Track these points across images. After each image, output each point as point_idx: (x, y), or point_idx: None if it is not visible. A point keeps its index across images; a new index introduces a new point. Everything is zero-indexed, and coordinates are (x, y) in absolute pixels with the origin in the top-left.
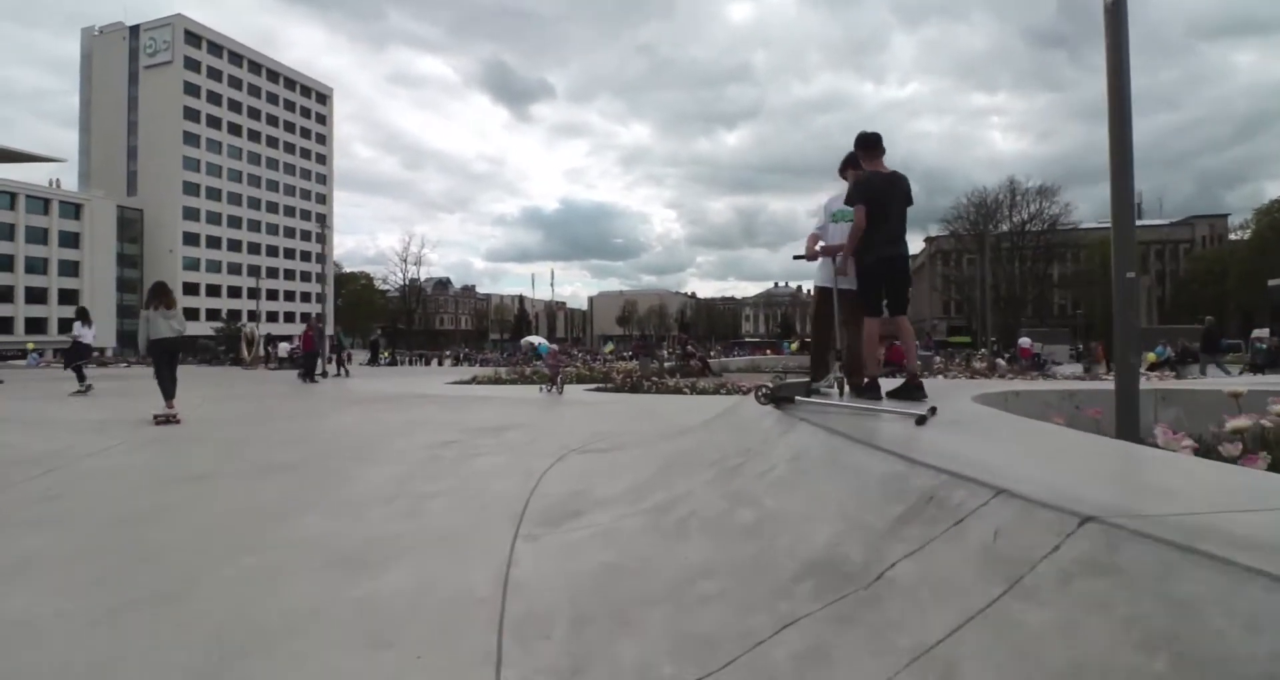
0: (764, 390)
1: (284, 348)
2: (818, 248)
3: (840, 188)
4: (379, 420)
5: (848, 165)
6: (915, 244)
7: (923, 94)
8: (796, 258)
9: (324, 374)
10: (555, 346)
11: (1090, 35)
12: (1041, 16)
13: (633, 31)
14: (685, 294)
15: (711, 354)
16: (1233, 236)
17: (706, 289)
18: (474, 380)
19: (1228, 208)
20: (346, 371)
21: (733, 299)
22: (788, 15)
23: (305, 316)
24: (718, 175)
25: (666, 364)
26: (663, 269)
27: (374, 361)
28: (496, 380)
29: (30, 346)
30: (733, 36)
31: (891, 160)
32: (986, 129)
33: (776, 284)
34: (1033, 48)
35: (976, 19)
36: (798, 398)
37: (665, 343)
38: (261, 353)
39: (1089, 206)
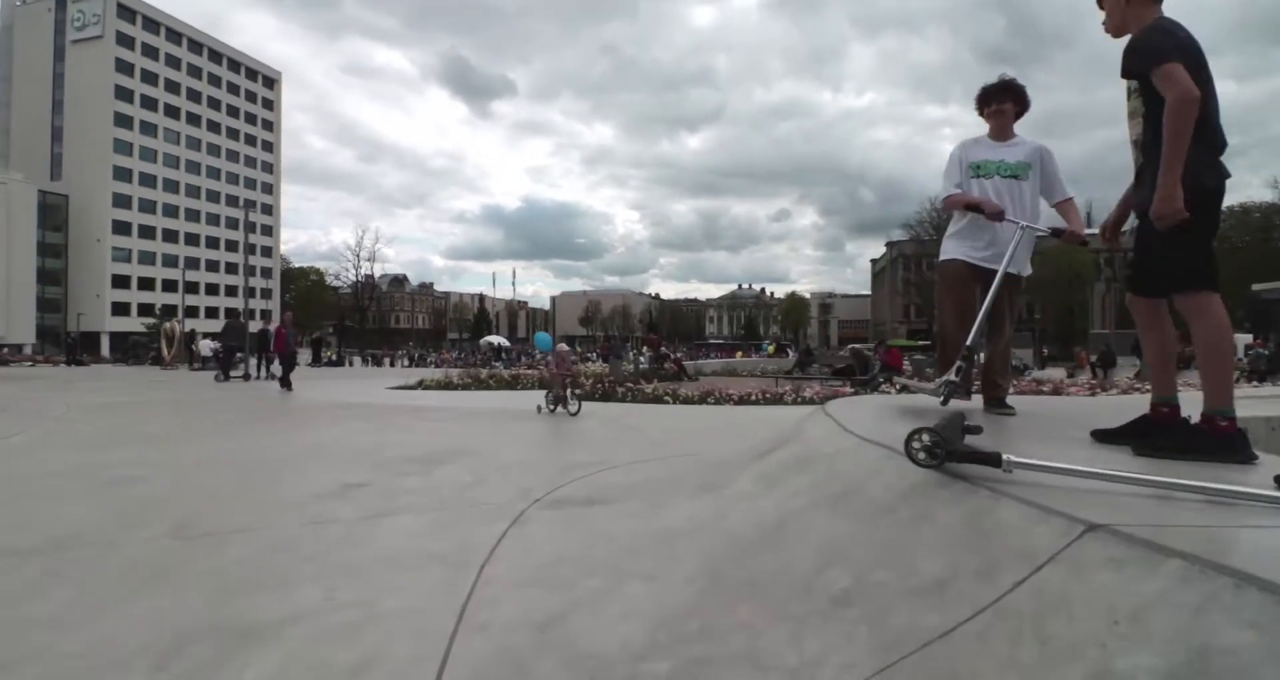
0: (925, 440)
1: (206, 346)
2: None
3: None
4: (270, 445)
5: (1001, 93)
6: (881, 248)
7: (879, 104)
8: (951, 207)
9: (246, 376)
10: (565, 346)
11: (1036, 54)
12: (991, 33)
13: (596, 30)
14: (649, 295)
15: (680, 356)
16: None
17: (669, 290)
18: (420, 384)
19: None
20: (273, 373)
21: (696, 301)
22: (750, 20)
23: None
24: (681, 178)
25: (641, 367)
26: (626, 270)
27: (316, 361)
28: (446, 384)
29: None
30: (696, 40)
31: (850, 166)
32: (939, 140)
33: (740, 286)
34: (983, 63)
35: (931, 33)
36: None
37: (630, 344)
38: (182, 351)
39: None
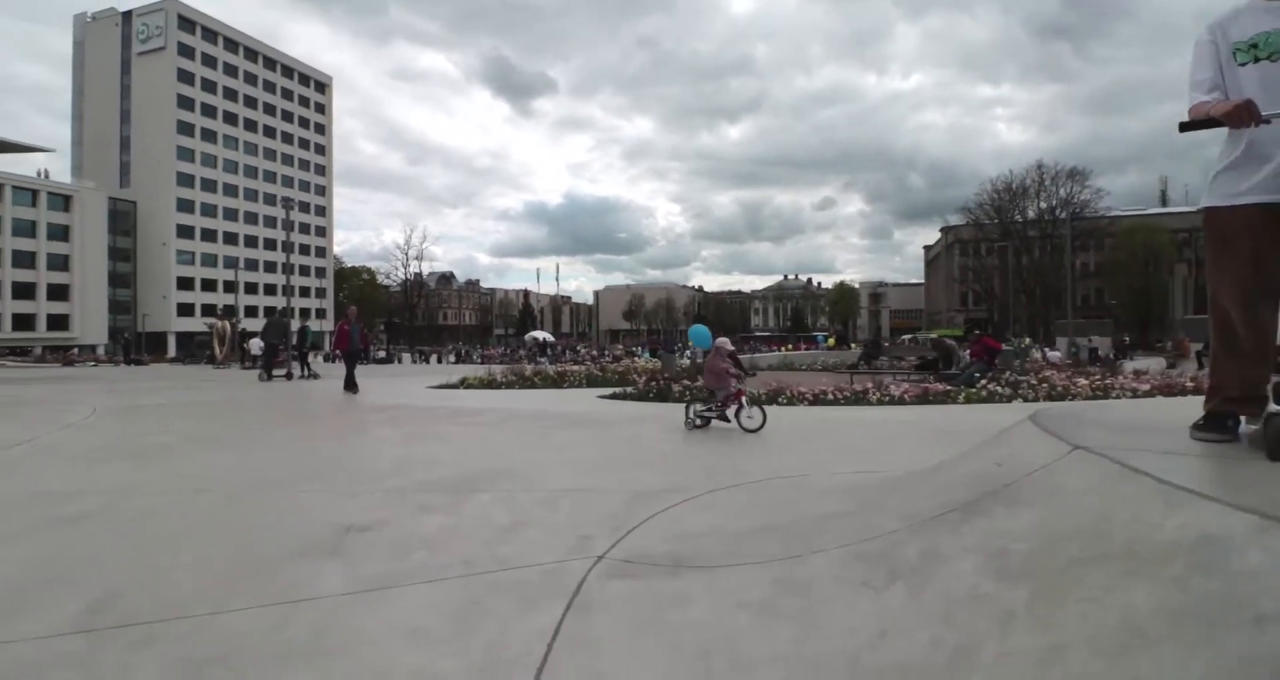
0: None
1: (256, 344)
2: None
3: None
4: (278, 461)
5: None
6: (931, 234)
7: (926, 86)
8: (1188, 128)
9: (289, 375)
10: (725, 340)
11: (1094, 27)
12: (1045, 6)
13: (633, 25)
14: (692, 288)
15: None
16: None
17: (711, 283)
18: (462, 383)
19: None
20: (311, 371)
21: (740, 292)
22: (789, 6)
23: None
24: (721, 169)
25: (695, 362)
26: (667, 263)
27: (364, 359)
28: (489, 383)
29: None
30: (734, 29)
31: (897, 151)
32: (991, 121)
33: (786, 277)
34: (1036, 39)
35: (979, 10)
36: None
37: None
38: (234, 350)
39: (1115, 194)
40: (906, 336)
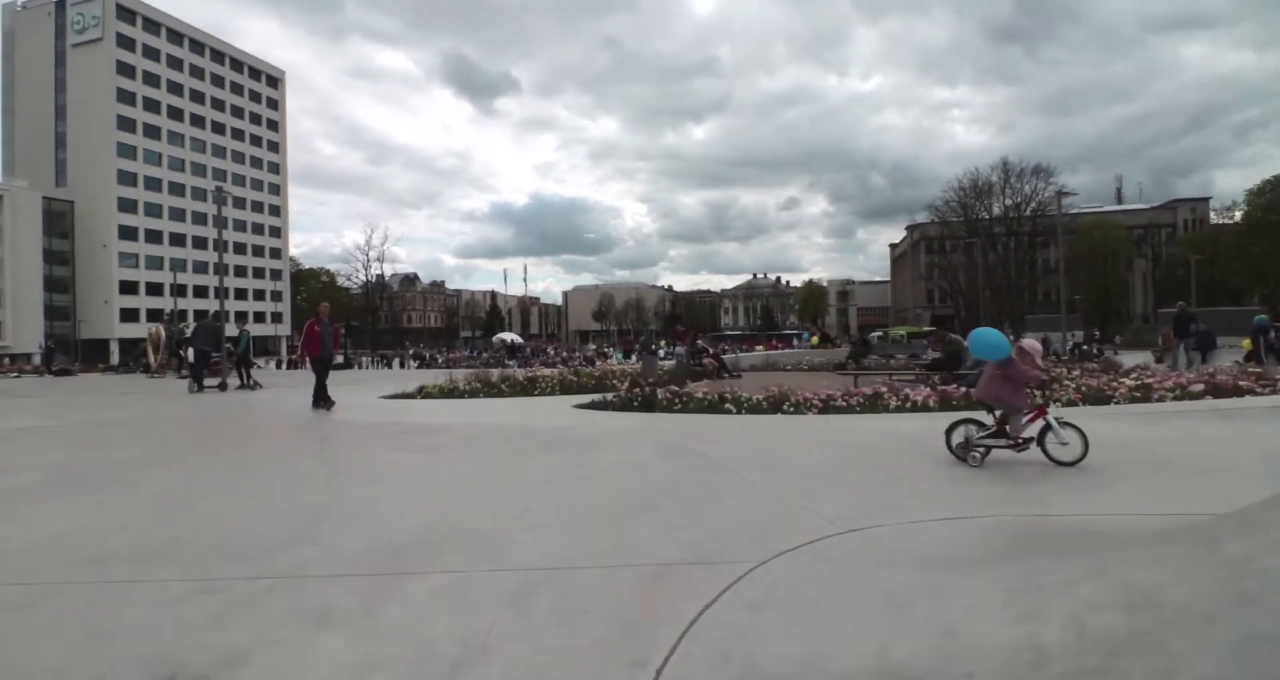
0: None
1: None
2: None
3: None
4: (134, 517)
5: None
6: (897, 232)
7: (886, 87)
8: None
9: (222, 386)
10: (1034, 341)
11: (1044, 30)
12: (999, 10)
13: (596, 24)
14: (662, 287)
15: (722, 349)
16: (1215, 220)
17: (680, 282)
18: (420, 392)
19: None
20: (252, 381)
21: (709, 292)
22: (751, 8)
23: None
24: (688, 169)
25: (676, 363)
26: (635, 263)
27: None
28: (450, 391)
29: None
30: (698, 29)
31: (859, 152)
32: (949, 122)
33: (755, 276)
34: (990, 42)
35: (936, 13)
36: None
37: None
38: (171, 357)
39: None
40: (875, 334)
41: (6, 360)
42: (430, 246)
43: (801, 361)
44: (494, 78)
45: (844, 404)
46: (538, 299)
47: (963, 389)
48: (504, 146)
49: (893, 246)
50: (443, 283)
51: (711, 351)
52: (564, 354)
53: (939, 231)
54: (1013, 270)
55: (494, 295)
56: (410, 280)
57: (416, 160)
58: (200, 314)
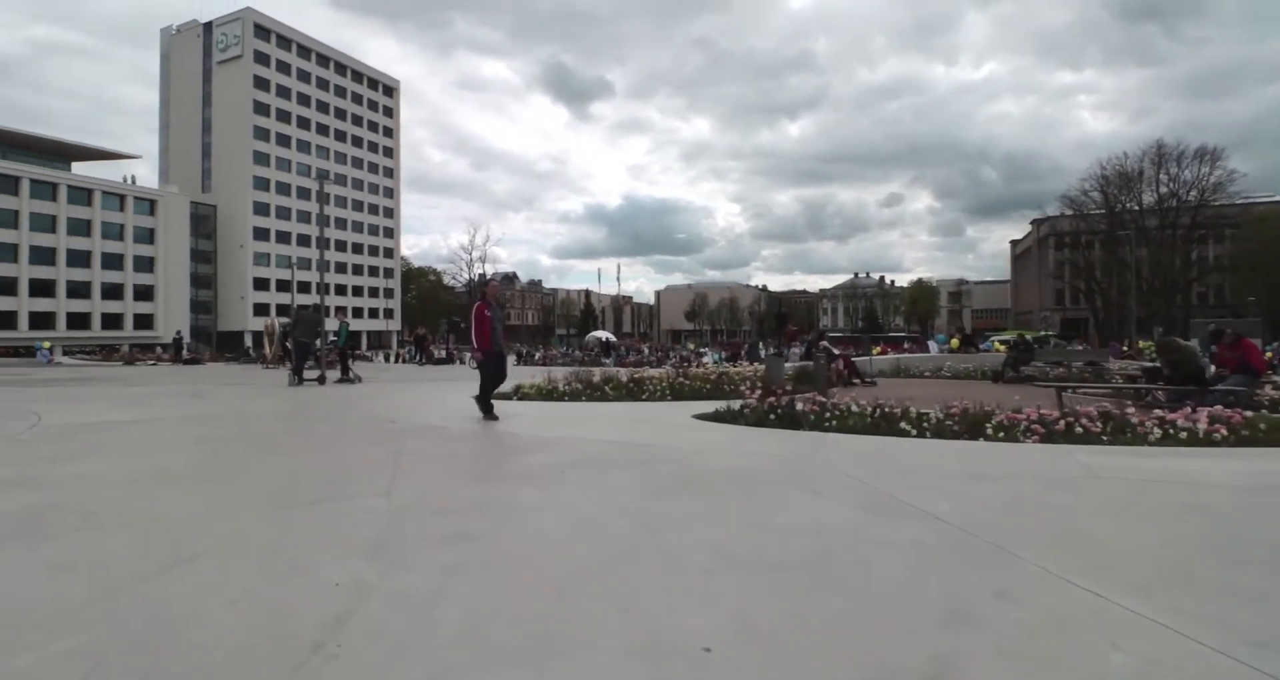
0: None
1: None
2: None
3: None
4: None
5: None
6: (1011, 229)
7: (1000, 74)
8: None
9: (321, 379)
10: None
11: (1186, 5)
12: None
13: (688, 25)
14: (756, 287)
15: (850, 353)
16: None
17: (773, 283)
18: (516, 393)
19: None
20: (352, 374)
21: (805, 292)
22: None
23: (379, 312)
24: (782, 167)
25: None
26: (727, 264)
27: (419, 359)
28: (549, 392)
29: (46, 345)
30: (792, 24)
31: (968, 144)
32: (1073, 109)
33: (857, 274)
34: (1121, 20)
35: None
36: None
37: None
38: (281, 350)
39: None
40: (997, 338)
41: (158, 349)
42: (528, 248)
43: (942, 367)
44: (589, 83)
45: (1081, 429)
46: (630, 298)
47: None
48: (598, 150)
49: (1014, 243)
50: (540, 282)
51: (839, 354)
52: (659, 353)
53: (1073, 226)
54: (1168, 268)
55: (588, 294)
56: (510, 279)
57: (517, 165)
58: (300, 308)
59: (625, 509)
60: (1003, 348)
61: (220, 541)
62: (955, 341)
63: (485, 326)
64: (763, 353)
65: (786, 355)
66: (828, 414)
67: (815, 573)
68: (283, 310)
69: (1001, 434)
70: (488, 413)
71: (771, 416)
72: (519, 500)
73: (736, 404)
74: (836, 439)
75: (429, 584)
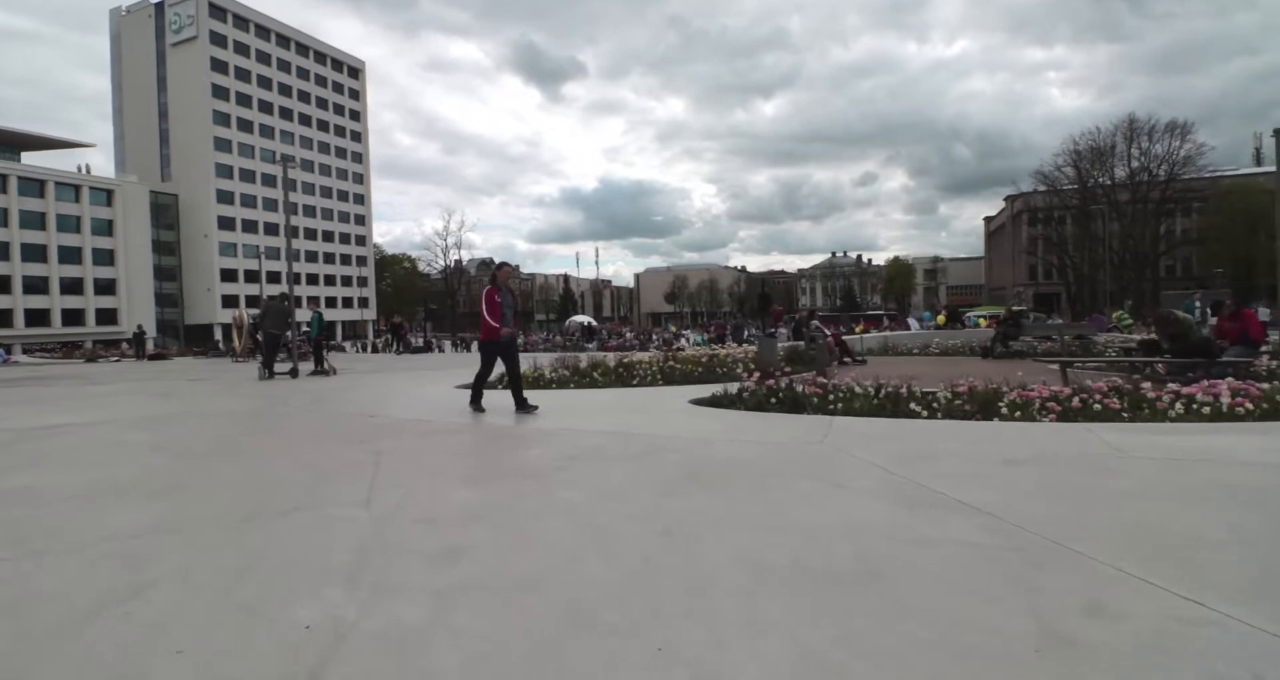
0: None
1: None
2: None
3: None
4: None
5: None
6: (984, 206)
7: (971, 52)
8: None
9: (293, 372)
10: None
11: None
12: None
13: (661, 4)
14: (735, 268)
15: (841, 330)
16: None
17: (751, 263)
18: (502, 382)
19: None
20: (327, 366)
21: (783, 272)
22: None
23: (353, 301)
24: (757, 147)
25: (809, 348)
26: (704, 245)
27: (396, 347)
28: (535, 380)
29: None
30: (765, 2)
31: (941, 122)
32: (1043, 85)
33: (834, 254)
34: None
35: None
36: None
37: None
38: (250, 342)
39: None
40: (977, 313)
41: (123, 345)
42: (504, 233)
43: (930, 344)
44: (561, 63)
45: (1099, 406)
46: (609, 282)
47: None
48: (572, 132)
49: (988, 220)
50: (517, 267)
51: (830, 333)
52: (640, 337)
53: (1046, 201)
54: (1139, 241)
55: (566, 279)
56: (486, 265)
57: (489, 148)
58: (273, 298)
59: (636, 511)
60: (985, 323)
61: (173, 568)
62: (942, 317)
63: (496, 311)
64: (746, 333)
65: (770, 335)
66: (831, 396)
67: (869, 587)
68: (252, 301)
69: (1018, 413)
70: (476, 403)
71: (772, 400)
72: (516, 504)
73: (733, 387)
74: (844, 423)
75: (419, 617)
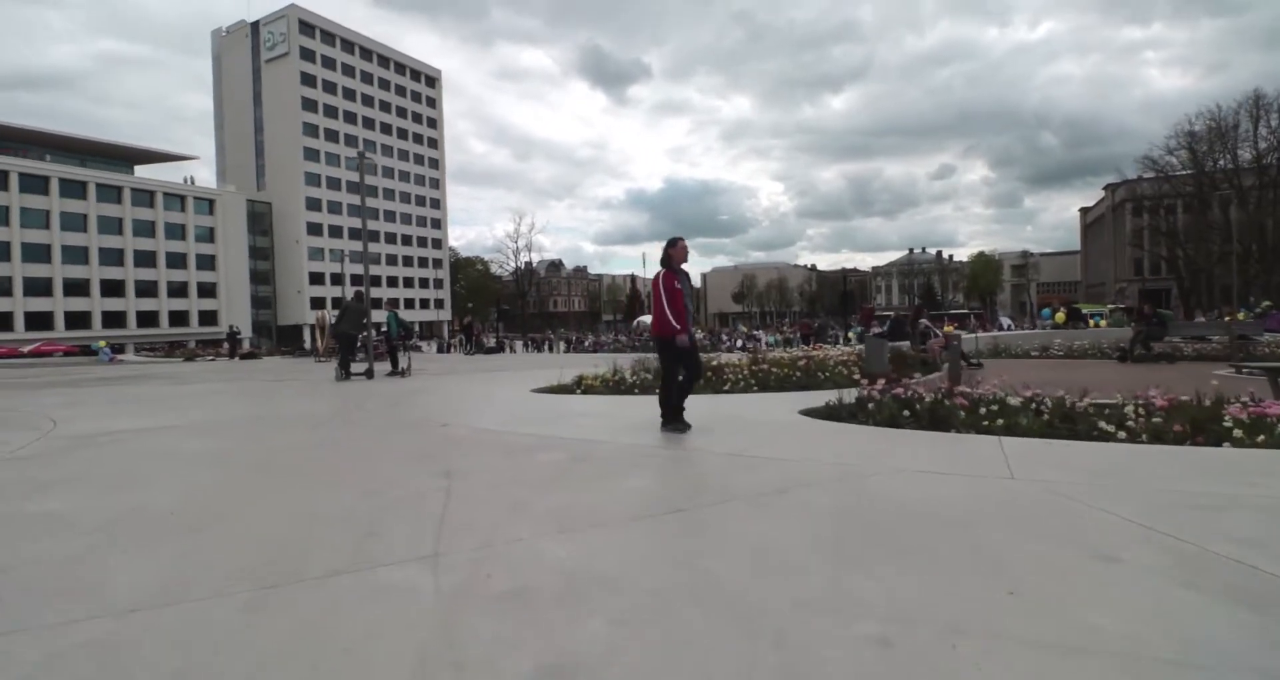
0: None
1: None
2: None
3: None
4: None
5: None
6: (1075, 198)
7: (1059, 33)
8: None
9: (369, 373)
10: None
11: None
12: None
13: (726, 1)
14: (805, 267)
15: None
16: None
17: (820, 262)
18: (579, 386)
19: None
20: (402, 367)
21: (855, 270)
22: None
23: (429, 302)
24: (826, 143)
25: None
26: (771, 244)
27: (469, 348)
28: (616, 384)
29: (101, 344)
30: None
31: (1025, 110)
32: (1141, 66)
33: (912, 250)
34: None
35: None
36: None
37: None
38: (332, 342)
39: None
40: (1093, 310)
41: (195, 344)
42: (571, 235)
43: (1051, 345)
44: (626, 66)
45: None
46: None
47: None
48: (637, 133)
49: (1084, 211)
50: (585, 268)
51: (940, 334)
52: (711, 337)
53: (1154, 189)
54: (1269, 231)
55: (634, 279)
56: (555, 266)
57: (557, 152)
58: (351, 298)
59: (812, 595)
60: (1105, 323)
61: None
62: (1061, 315)
63: (679, 301)
64: (833, 332)
65: (861, 335)
66: (982, 410)
67: None
68: (337, 303)
69: (1261, 436)
70: (673, 420)
71: (906, 413)
72: (629, 572)
73: (847, 395)
74: (1016, 446)
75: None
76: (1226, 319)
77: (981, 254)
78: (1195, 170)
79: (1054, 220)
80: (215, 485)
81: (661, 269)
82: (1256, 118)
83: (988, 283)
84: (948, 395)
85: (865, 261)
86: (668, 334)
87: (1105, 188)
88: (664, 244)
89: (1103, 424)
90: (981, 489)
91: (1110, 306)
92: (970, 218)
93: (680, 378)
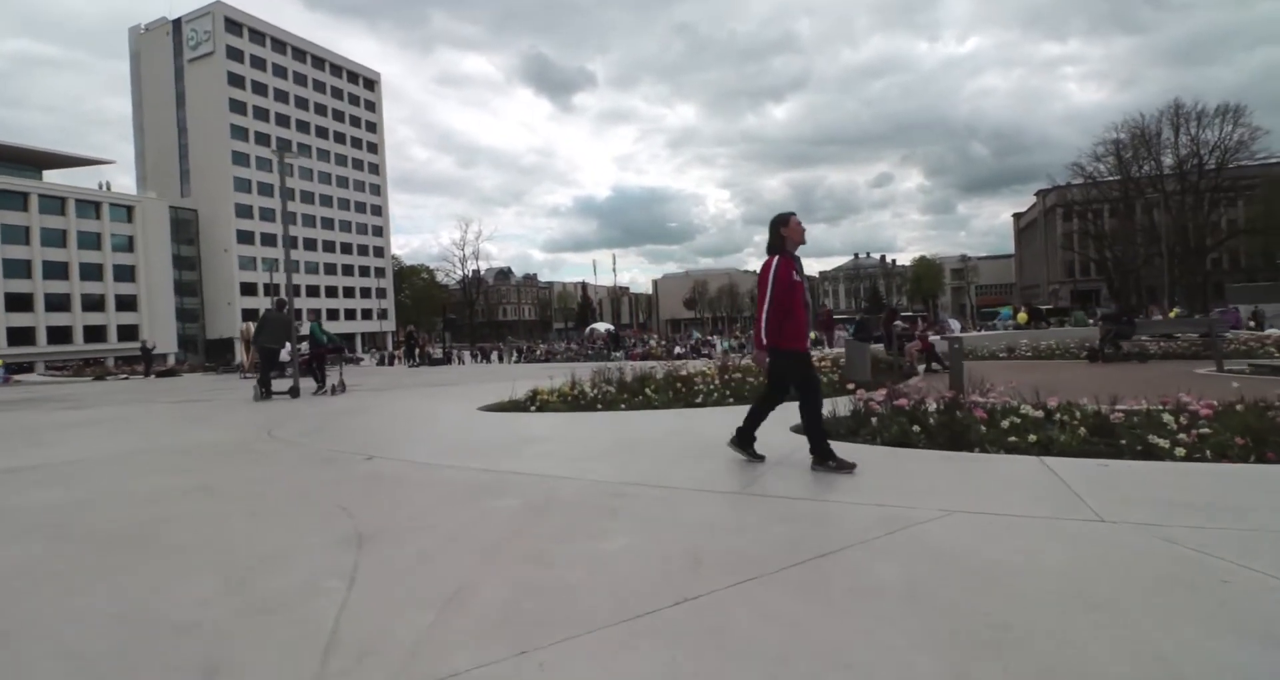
0: None
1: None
2: None
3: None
4: None
5: None
6: (1004, 204)
7: (985, 48)
8: None
9: (294, 391)
10: None
11: None
12: None
13: (669, 12)
14: (753, 272)
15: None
16: None
17: None
18: (533, 401)
19: None
20: (329, 383)
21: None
22: None
23: (372, 312)
24: (769, 151)
25: (893, 354)
26: (719, 250)
27: (412, 359)
28: (575, 399)
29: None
30: (774, 6)
31: (956, 121)
32: (1060, 81)
33: (857, 255)
34: None
35: None
36: None
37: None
38: (257, 357)
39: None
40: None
41: (114, 362)
42: (519, 243)
43: (1017, 345)
44: (571, 74)
45: None
46: (627, 289)
47: None
48: (584, 141)
49: (1017, 217)
50: (535, 276)
51: (919, 336)
52: (664, 344)
53: (1083, 194)
54: (1190, 234)
55: (584, 287)
56: (504, 274)
57: (503, 160)
58: (272, 308)
59: None
60: (1024, 318)
61: None
62: (1023, 316)
63: (799, 297)
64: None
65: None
66: (1004, 422)
67: None
68: None
69: None
70: (747, 446)
71: (916, 429)
72: None
73: (840, 406)
74: (1068, 470)
75: None
76: (1174, 316)
77: (923, 258)
78: (1122, 176)
79: (985, 226)
80: (29, 565)
81: (773, 254)
82: (1177, 126)
83: (930, 286)
84: (957, 406)
85: (812, 267)
86: (797, 345)
87: (1037, 193)
88: (611, 251)
89: (1152, 437)
90: (1077, 540)
91: (1038, 306)
92: (908, 224)
93: (780, 400)
